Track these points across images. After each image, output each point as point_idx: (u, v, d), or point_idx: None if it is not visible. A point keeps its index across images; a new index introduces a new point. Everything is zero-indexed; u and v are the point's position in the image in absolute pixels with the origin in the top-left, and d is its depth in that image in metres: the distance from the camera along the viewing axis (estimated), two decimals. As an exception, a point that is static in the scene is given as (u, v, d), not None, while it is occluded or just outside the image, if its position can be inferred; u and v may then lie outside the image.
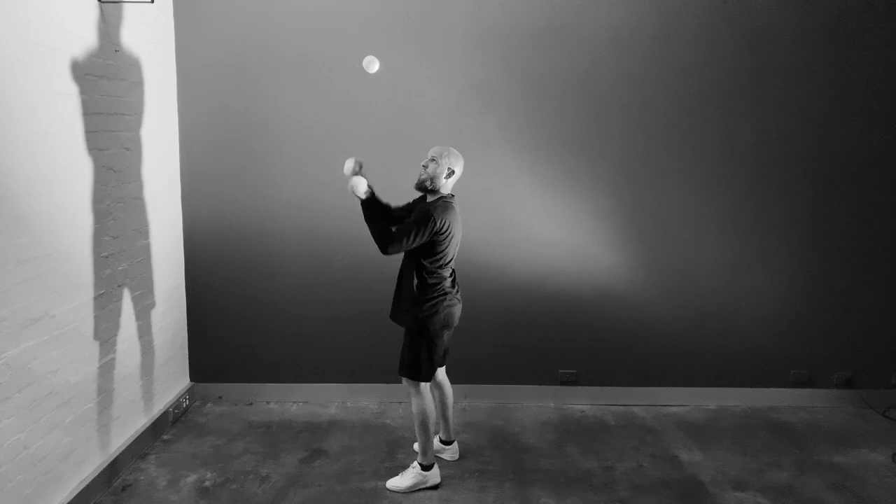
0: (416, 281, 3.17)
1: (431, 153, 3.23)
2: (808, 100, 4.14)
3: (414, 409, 3.28)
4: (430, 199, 3.24)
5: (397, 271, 3.34)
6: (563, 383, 4.36)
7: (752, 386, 4.36)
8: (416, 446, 3.43)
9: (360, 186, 3.16)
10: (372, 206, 3.17)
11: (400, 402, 4.28)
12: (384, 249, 3.07)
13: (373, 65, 3.23)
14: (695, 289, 4.29)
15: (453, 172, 3.22)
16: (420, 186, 3.23)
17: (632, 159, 4.18)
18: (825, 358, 4.36)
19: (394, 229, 3.10)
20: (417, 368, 3.21)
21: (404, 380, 3.29)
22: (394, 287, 3.33)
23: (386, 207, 3.32)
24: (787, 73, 4.11)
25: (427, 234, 3.05)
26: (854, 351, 4.35)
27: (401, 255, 3.27)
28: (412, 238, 3.04)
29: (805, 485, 3.37)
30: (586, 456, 3.65)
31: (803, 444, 3.83)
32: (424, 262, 3.15)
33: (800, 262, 4.28)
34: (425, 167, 3.20)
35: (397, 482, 3.30)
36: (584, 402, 4.36)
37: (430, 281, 3.17)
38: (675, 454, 3.68)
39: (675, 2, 4.05)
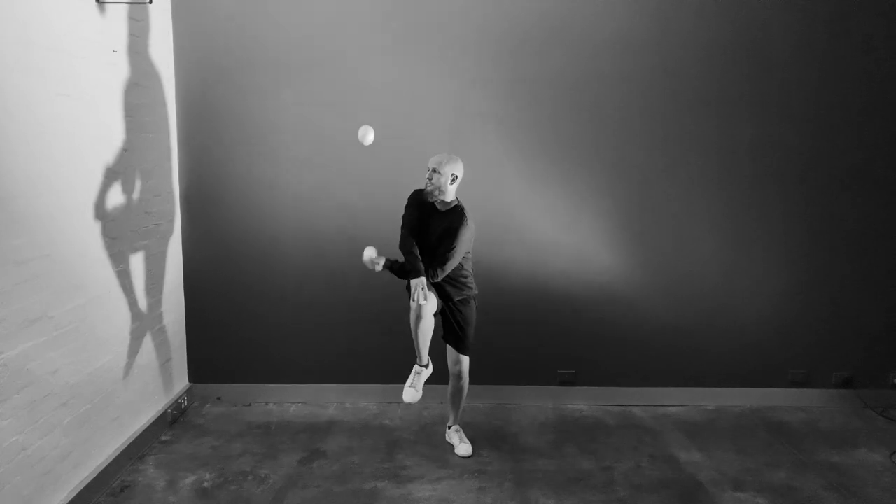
0: (462, 263, 3.47)
1: (432, 164, 3.36)
2: (808, 100, 4.15)
3: (466, 384, 3.68)
4: (441, 207, 3.42)
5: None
6: (561, 384, 4.36)
7: (750, 386, 4.36)
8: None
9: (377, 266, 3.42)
10: (397, 268, 3.45)
11: (398, 404, 4.28)
12: (445, 272, 3.34)
13: (368, 135, 3.33)
14: (693, 289, 4.29)
15: (456, 177, 3.39)
16: (430, 198, 3.39)
17: (630, 160, 4.18)
18: (824, 358, 4.36)
19: (448, 254, 3.32)
20: (471, 345, 3.65)
21: (463, 358, 3.60)
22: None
23: (408, 253, 3.39)
24: (785, 73, 4.12)
25: (471, 241, 3.41)
26: (852, 351, 4.35)
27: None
28: (462, 253, 3.36)
29: (803, 485, 3.37)
30: (585, 456, 3.65)
31: (802, 444, 3.83)
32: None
33: (798, 263, 4.28)
34: (430, 179, 3.35)
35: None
36: (582, 402, 4.36)
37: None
38: (674, 454, 3.68)
39: (673, 3, 4.06)
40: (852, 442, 3.86)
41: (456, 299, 3.51)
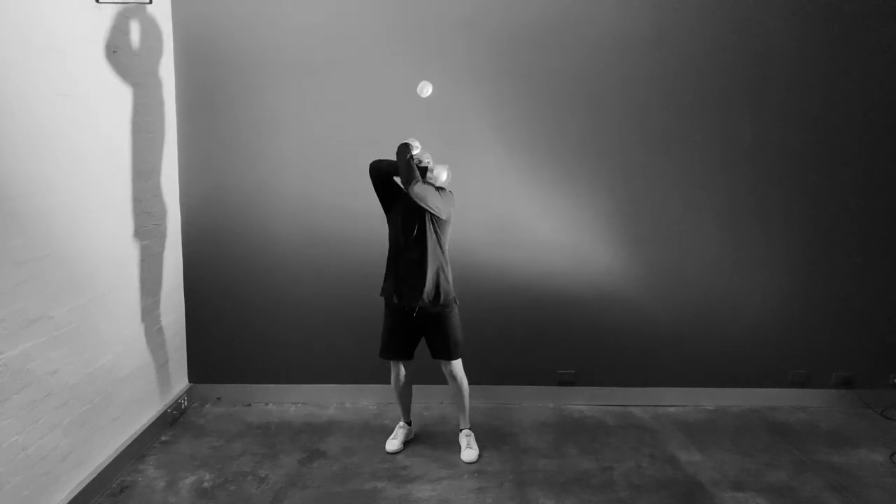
0: (442, 265, 3.49)
1: (431, 163, 3.50)
2: (807, 101, 4.15)
3: (464, 386, 3.67)
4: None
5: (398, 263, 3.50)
6: (561, 384, 4.36)
7: (750, 386, 4.36)
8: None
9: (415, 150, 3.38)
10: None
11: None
12: (409, 184, 3.30)
13: (426, 88, 3.46)
14: (693, 289, 4.29)
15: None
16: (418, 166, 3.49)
17: (631, 160, 4.18)
18: (824, 358, 4.36)
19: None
20: (462, 345, 3.61)
21: (454, 363, 3.59)
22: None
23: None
24: (785, 73, 4.12)
25: (448, 207, 3.43)
26: (852, 351, 4.35)
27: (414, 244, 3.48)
28: (435, 199, 3.34)
29: (803, 485, 3.37)
30: (585, 456, 3.65)
31: (802, 444, 3.83)
32: (445, 248, 3.52)
33: (798, 263, 4.28)
34: (420, 162, 3.47)
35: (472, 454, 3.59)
36: (582, 402, 4.36)
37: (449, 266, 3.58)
38: (674, 454, 3.68)
39: (673, 4, 4.06)
40: (852, 442, 3.86)
41: (441, 304, 3.47)
